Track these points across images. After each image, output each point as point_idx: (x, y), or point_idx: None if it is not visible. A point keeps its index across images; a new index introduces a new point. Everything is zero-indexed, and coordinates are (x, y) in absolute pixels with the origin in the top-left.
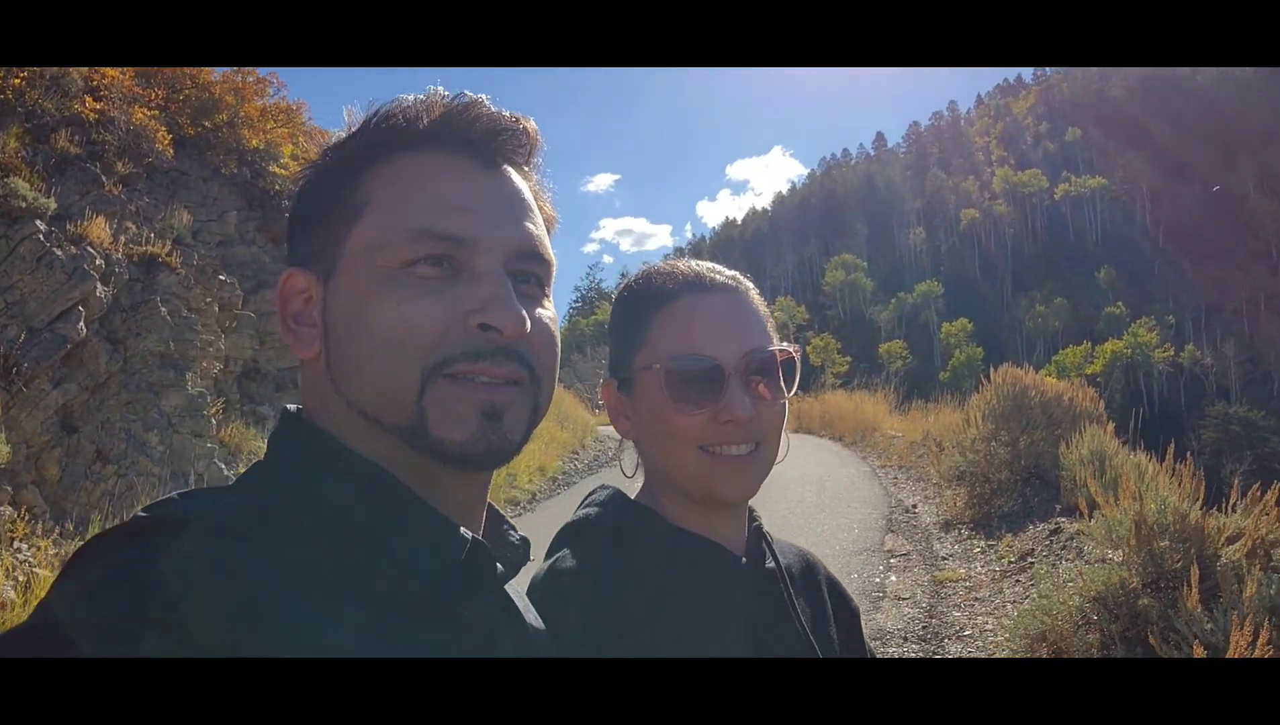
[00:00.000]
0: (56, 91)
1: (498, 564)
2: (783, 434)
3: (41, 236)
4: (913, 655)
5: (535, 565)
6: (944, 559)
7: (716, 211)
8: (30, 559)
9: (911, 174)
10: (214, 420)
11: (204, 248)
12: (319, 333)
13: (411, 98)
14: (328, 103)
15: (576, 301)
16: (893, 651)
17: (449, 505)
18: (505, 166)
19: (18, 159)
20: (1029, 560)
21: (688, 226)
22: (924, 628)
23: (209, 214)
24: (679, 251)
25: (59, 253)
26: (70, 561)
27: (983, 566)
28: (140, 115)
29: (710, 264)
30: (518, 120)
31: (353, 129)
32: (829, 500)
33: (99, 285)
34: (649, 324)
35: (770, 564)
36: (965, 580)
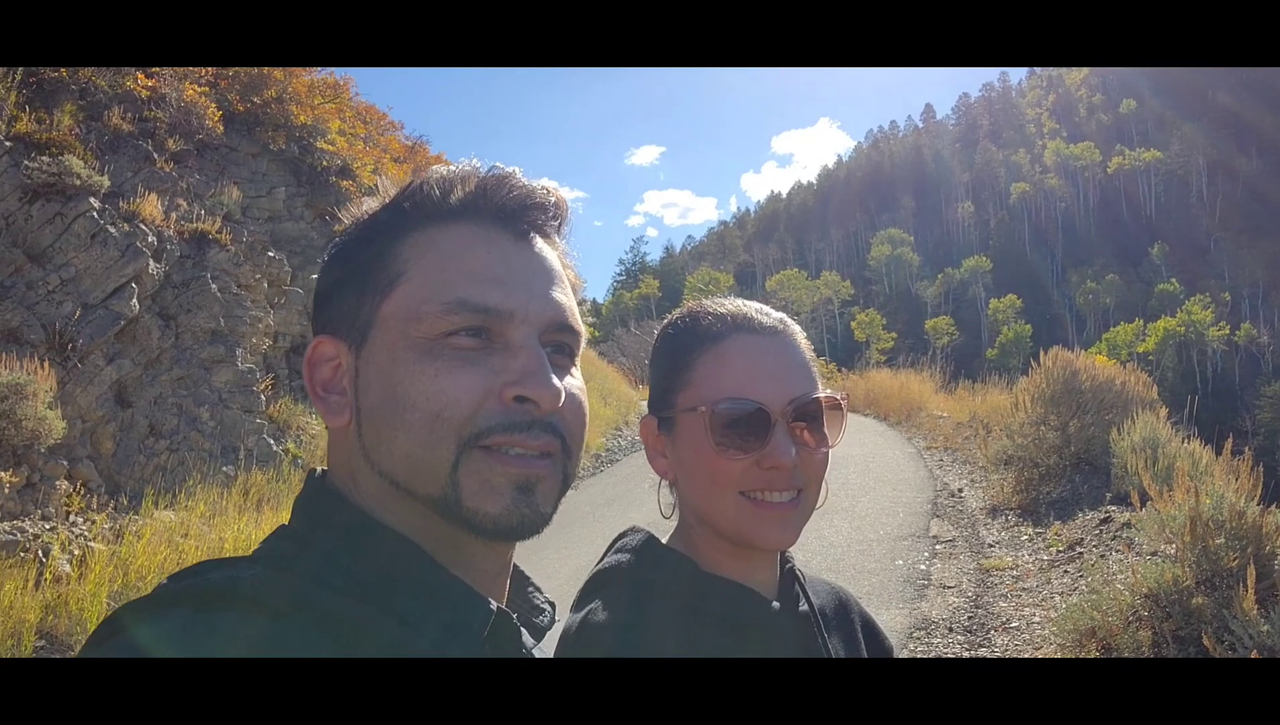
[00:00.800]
0: (110, 68)
1: (523, 631)
2: (823, 482)
3: (95, 214)
4: (959, 645)
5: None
6: (990, 546)
7: (761, 185)
8: (85, 533)
9: (960, 147)
10: (263, 396)
11: (253, 224)
12: (349, 401)
13: (445, 169)
14: (374, 79)
15: (620, 275)
16: (938, 642)
17: (475, 574)
18: (536, 237)
19: (72, 136)
20: (1078, 550)
21: (732, 200)
22: (969, 618)
23: (258, 190)
24: (724, 226)
25: (112, 230)
26: (103, 629)
27: (1030, 555)
28: (191, 92)
29: (758, 305)
30: (548, 192)
31: (386, 199)
32: (873, 482)
33: (151, 262)
34: (693, 364)
35: (804, 607)
36: (1012, 569)
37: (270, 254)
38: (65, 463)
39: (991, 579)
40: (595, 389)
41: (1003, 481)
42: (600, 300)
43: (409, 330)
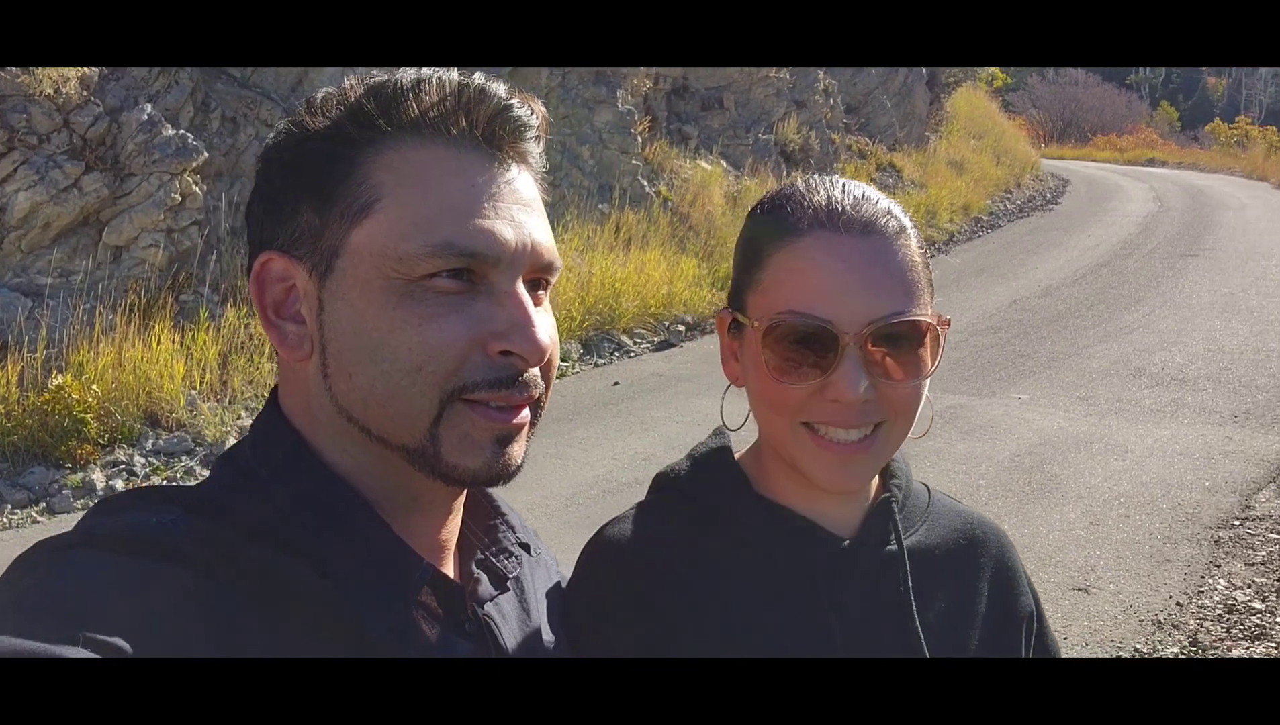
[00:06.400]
0: None
1: (483, 580)
2: (919, 411)
3: None
4: None
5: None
6: None
7: None
8: None
9: None
10: (639, 137)
11: None
12: (308, 334)
13: (412, 74)
14: None
15: None
16: None
17: (426, 510)
18: (517, 165)
19: None
20: None
21: None
22: None
23: None
24: None
25: None
26: (10, 569)
27: None
28: None
29: (862, 191)
30: (531, 109)
31: (350, 99)
32: None
33: None
34: (765, 261)
35: (891, 547)
36: None
37: None
38: None
39: None
40: (989, 146)
41: None
42: None
43: (386, 268)
